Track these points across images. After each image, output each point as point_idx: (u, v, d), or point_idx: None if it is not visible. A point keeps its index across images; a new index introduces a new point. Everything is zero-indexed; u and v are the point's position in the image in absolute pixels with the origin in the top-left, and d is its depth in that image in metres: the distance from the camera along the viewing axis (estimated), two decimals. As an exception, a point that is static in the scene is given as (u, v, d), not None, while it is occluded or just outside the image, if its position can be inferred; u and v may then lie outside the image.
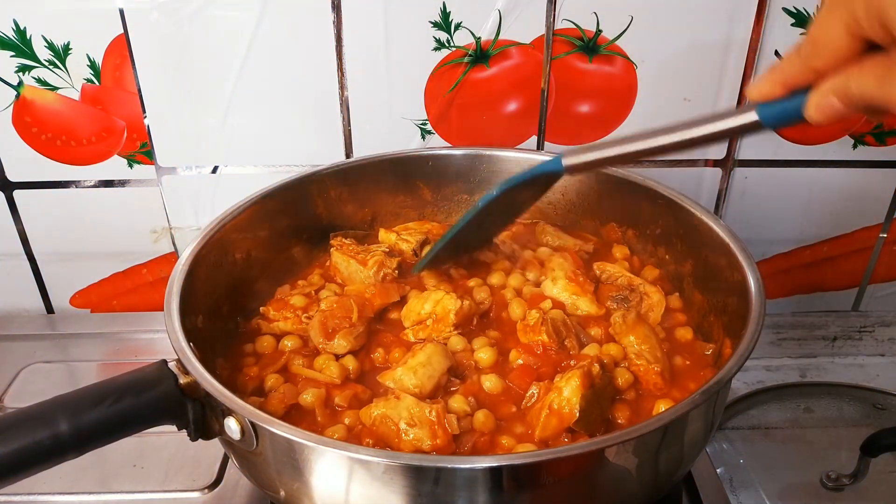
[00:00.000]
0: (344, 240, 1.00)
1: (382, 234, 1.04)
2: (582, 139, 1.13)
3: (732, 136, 0.64)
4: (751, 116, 0.63)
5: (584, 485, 0.67)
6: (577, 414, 0.72)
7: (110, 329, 1.23)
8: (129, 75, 1.06)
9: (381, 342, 0.88)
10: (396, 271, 0.94)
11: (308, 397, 0.78)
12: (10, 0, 1.01)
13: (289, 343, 0.87)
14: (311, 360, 0.84)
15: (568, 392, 0.73)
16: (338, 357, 0.84)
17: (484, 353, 0.83)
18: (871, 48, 0.54)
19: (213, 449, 0.80)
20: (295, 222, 1.01)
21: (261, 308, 0.92)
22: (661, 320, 0.90)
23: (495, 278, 0.96)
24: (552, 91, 1.09)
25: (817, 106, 0.57)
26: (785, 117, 0.61)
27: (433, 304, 0.87)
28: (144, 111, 1.09)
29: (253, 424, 0.65)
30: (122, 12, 1.02)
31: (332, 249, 0.99)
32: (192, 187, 1.16)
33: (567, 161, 0.77)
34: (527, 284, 0.95)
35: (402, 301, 0.92)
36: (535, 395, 0.77)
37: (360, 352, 0.86)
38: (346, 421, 0.77)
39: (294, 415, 0.79)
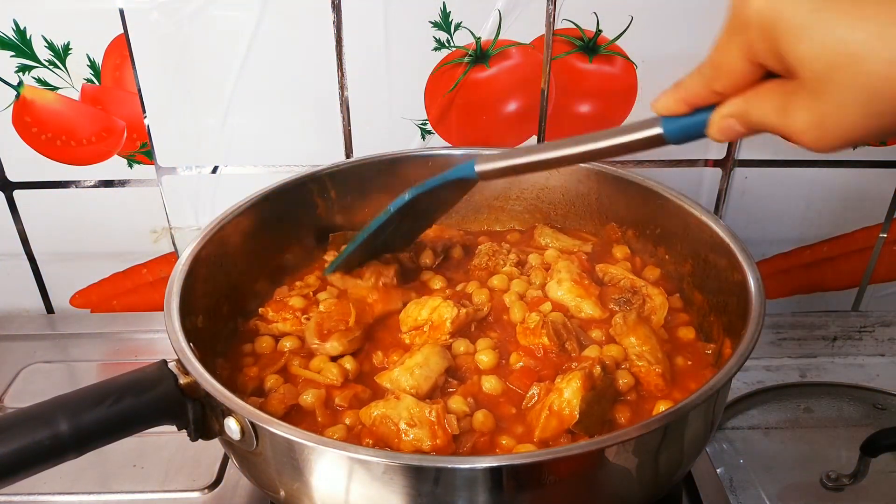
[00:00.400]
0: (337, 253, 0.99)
1: None
2: (582, 139, 1.13)
3: (637, 149, 0.67)
4: (654, 130, 0.64)
5: (584, 485, 0.67)
6: (577, 416, 0.72)
7: (110, 329, 1.23)
8: (129, 75, 1.06)
9: (382, 344, 0.88)
10: (395, 279, 0.94)
11: (308, 398, 0.78)
12: (10, 0, 1.01)
13: (287, 344, 0.87)
14: (308, 360, 0.84)
15: (569, 393, 0.73)
16: (333, 359, 0.84)
17: (485, 356, 0.83)
18: (770, 74, 0.54)
19: (213, 449, 0.80)
20: (295, 222, 1.01)
21: (259, 309, 0.92)
22: (663, 322, 0.90)
23: (497, 281, 0.96)
24: (552, 91, 1.09)
25: (718, 127, 0.59)
26: (688, 133, 0.62)
27: (430, 310, 0.87)
28: (144, 111, 1.09)
29: (253, 424, 0.65)
30: (122, 12, 1.02)
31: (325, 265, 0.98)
32: (192, 187, 1.16)
33: (480, 167, 0.78)
34: (531, 287, 0.95)
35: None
36: (536, 395, 0.77)
37: (360, 353, 0.86)
38: (347, 421, 0.77)
39: (294, 415, 0.79)
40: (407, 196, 0.85)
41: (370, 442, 0.74)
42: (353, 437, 0.75)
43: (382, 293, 0.91)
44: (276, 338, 0.89)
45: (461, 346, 0.85)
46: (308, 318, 0.88)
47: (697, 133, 0.61)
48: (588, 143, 0.70)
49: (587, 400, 0.73)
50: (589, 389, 0.73)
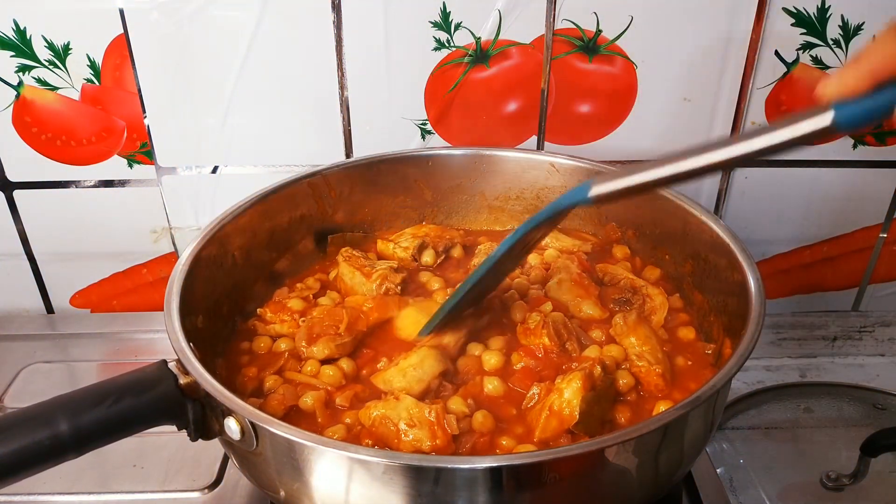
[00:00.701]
0: (354, 252, 1.00)
1: (380, 244, 1.04)
2: (582, 139, 1.13)
3: (800, 145, 0.55)
4: (824, 120, 0.52)
5: (584, 485, 0.67)
6: (577, 416, 0.71)
7: (110, 329, 1.23)
8: (129, 75, 1.06)
9: (384, 349, 0.87)
10: (399, 287, 0.94)
11: (308, 400, 0.78)
12: (10, 0, 1.01)
13: (282, 345, 0.88)
14: (302, 364, 0.84)
15: (569, 394, 0.73)
16: (328, 362, 0.83)
17: (492, 357, 0.83)
18: None
19: (213, 449, 0.80)
20: (294, 223, 1.01)
21: (258, 310, 0.92)
22: (663, 322, 0.90)
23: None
24: (552, 91, 1.09)
25: None
26: (868, 117, 0.51)
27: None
28: (144, 111, 1.09)
29: (253, 425, 0.65)
30: (122, 12, 1.02)
31: (340, 260, 0.98)
32: (192, 187, 1.16)
33: (596, 191, 0.66)
34: (531, 287, 0.95)
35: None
36: (536, 396, 0.77)
37: (359, 355, 0.86)
38: (347, 420, 0.77)
39: (293, 416, 0.78)
40: (518, 234, 0.74)
41: (370, 442, 0.73)
42: (353, 438, 0.75)
43: (379, 300, 0.91)
44: (274, 339, 0.89)
45: (476, 349, 0.85)
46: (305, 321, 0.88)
47: (880, 115, 0.51)
48: (736, 144, 0.58)
49: (587, 400, 0.73)
50: (589, 390, 0.73)
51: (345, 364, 0.83)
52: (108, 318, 1.26)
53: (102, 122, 1.10)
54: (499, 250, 0.77)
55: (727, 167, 0.61)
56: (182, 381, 0.68)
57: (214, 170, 1.15)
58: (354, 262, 0.96)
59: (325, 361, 0.84)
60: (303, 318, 0.89)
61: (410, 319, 0.88)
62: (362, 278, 0.94)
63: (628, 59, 1.06)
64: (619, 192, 0.66)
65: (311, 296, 0.95)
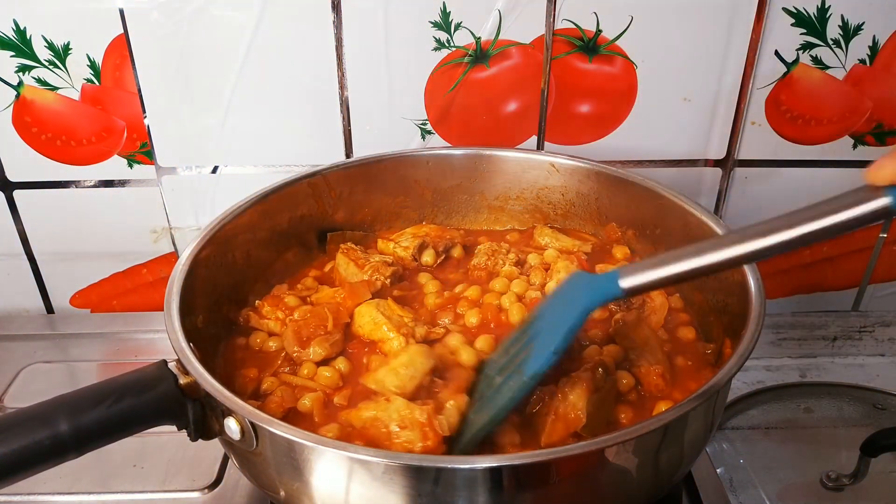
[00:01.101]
0: (353, 245, 1.00)
1: (381, 244, 1.04)
2: (582, 139, 1.13)
3: (852, 228, 0.56)
4: (880, 202, 0.55)
5: (584, 485, 0.67)
6: (585, 419, 0.71)
7: (110, 329, 1.23)
8: (129, 75, 1.06)
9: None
10: (388, 280, 0.94)
11: (307, 402, 0.78)
12: (10, 0, 1.01)
13: (272, 345, 0.88)
14: (296, 367, 0.84)
15: (573, 397, 0.72)
16: (323, 362, 0.83)
17: (465, 353, 0.81)
18: None
19: (213, 449, 0.80)
20: (294, 223, 1.01)
21: (256, 301, 0.92)
22: (663, 322, 0.90)
23: (498, 284, 0.95)
24: (552, 91, 1.09)
25: None
26: None
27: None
28: (144, 111, 1.09)
29: (253, 425, 0.65)
30: (122, 12, 1.02)
31: (338, 252, 0.99)
32: (192, 187, 1.16)
33: (627, 283, 0.65)
34: (530, 288, 0.94)
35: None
36: (541, 401, 0.76)
37: (351, 355, 0.86)
38: (342, 418, 0.76)
39: (292, 416, 0.78)
40: (554, 356, 0.69)
41: (360, 444, 0.73)
42: (345, 439, 0.74)
43: (349, 287, 0.91)
44: (270, 335, 0.89)
45: (453, 339, 0.84)
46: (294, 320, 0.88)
47: None
48: (784, 230, 0.59)
49: (593, 402, 0.72)
50: (593, 392, 0.73)
51: (341, 364, 0.83)
52: (108, 318, 1.26)
53: (102, 122, 1.10)
54: (535, 371, 0.70)
55: (771, 254, 0.60)
56: (182, 381, 0.68)
57: (214, 170, 1.15)
58: (351, 255, 0.97)
59: (321, 362, 0.84)
60: (289, 318, 0.89)
61: (367, 318, 0.87)
62: (356, 269, 0.95)
63: (628, 59, 1.06)
64: (652, 284, 0.65)
65: (309, 297, 0.94)
